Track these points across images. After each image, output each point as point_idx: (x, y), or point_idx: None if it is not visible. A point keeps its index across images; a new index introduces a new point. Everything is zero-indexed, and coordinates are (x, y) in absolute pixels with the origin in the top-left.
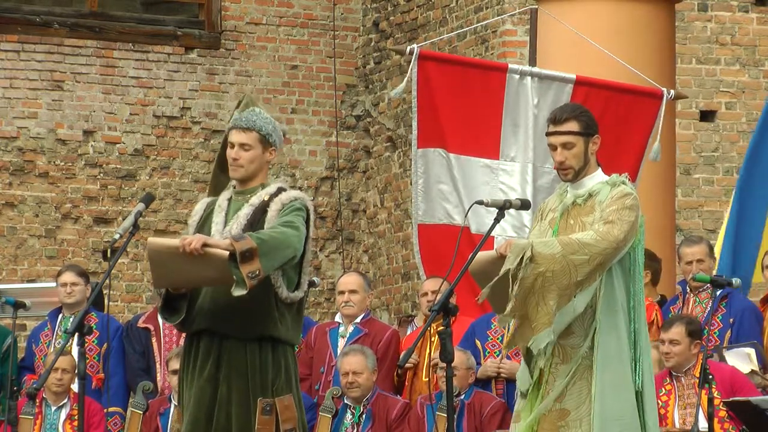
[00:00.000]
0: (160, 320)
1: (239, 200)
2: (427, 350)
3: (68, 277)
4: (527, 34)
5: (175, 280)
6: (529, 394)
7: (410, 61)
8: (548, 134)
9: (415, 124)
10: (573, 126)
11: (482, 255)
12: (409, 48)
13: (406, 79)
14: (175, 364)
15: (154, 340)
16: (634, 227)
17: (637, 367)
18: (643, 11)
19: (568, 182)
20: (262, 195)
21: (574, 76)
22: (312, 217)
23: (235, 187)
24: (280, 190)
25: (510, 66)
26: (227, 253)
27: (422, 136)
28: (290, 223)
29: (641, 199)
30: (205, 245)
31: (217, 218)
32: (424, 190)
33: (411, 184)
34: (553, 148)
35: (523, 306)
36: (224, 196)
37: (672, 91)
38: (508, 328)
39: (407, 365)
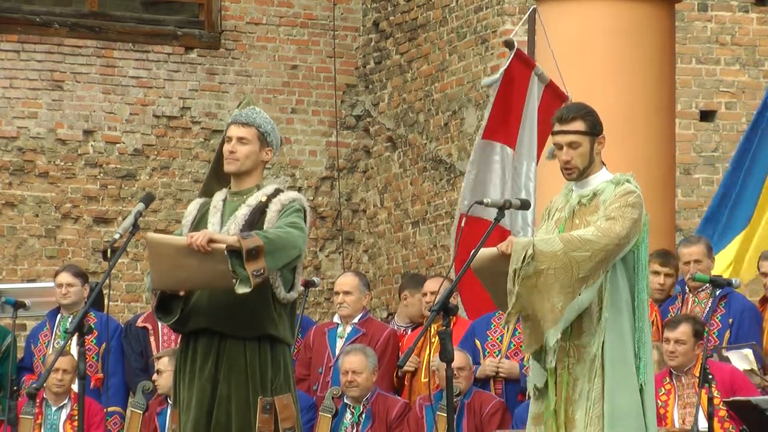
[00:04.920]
0: None
1: (235, 201)
2: (427, 351)
3: (64, 277)
4: (527, 34)
5: (176, 279)
6: (547, 398)
7: (509, 54)
8: (554, 133)
9: (487, 113)
10: (579, 125)
11: (484, 252)
12: (516, 41)
13: (501, 70)
14: (161, 365)
15: (152, 339)
16: (636, 224)
17: (641, 364)
18: (643, 11)
19: (572, 181)
20: (259, 196)
21: (549, 80)
22: (309, 219)
23: (230, 188)
24: (277, 191)
25: (536, 65)
26: (224, 246)
27: (489, 128)
28: (295, 224)
29: None
30: (211, 241)
31: (213, 219)
32: (475, 182)
33: (411, 184)
34: (559, 147)
35: (528, 305)
36: (218, 196)
37: (570, 97)
38: (508, 328)
39: (409, 368)
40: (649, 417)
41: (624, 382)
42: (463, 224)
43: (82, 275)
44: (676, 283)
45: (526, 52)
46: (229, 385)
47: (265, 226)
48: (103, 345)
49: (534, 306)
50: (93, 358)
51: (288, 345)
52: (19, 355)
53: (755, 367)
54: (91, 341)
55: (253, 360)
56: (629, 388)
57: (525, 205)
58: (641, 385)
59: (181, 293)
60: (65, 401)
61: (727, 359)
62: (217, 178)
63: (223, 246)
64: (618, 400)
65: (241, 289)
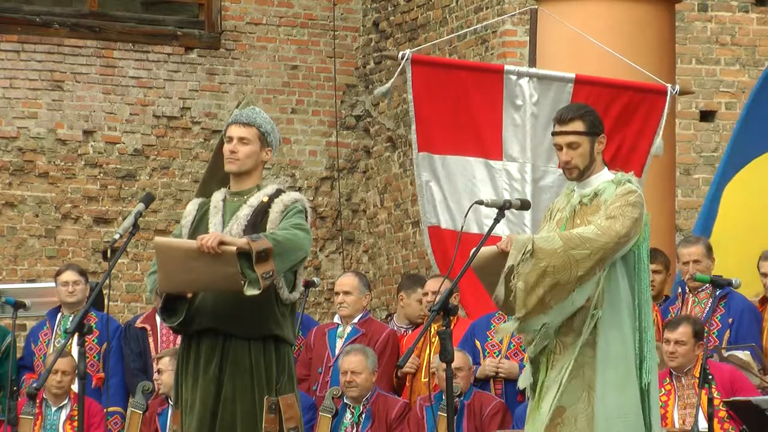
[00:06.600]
0: (158, 320)
1: (235, 201)
2: (427, 351)
3: (69, 275)
4: (527, 34)
5: (184, 281)
6: (537, 394)
7: (405, 66)
8: (554, 134)
9: (413, 129)
10: (578, 126)
11: (484, 251)
12: (401, 53)
13: (392, 80)
14: (162, 365)
15: (151, 340)
16: (637, 224)
17: (644, 365)
18: (643, 11)
19: (573, 181)
20: (260, 196)
21: (573, 76)
22: (309, 219)
23: (229, 188)
24: (278, 192)
25: (506, 67)
26: (235, 248)
27: (421, 141)
28: (300, 226)
29: None
30: (221, 243)
31: (214, 219)
32: (428, 194)
33: (411, 184)
34: (558, 147)
35: (526, 301)
36: (217, 196)
37: (677, 87)
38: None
39: (409, 370)
40: (654, 416)
41: (621, 382)
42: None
43: (84, 274)
44: (677, 284)
45: (526, 53)
46: (234, 386)
47: (267, 227)
48: (104, 344)
49: (530, 302)
50: (95, 357)
51: (291, 345)
52: (19, 354)
53: (754, 368)
54: (93, 340)
55: (258, 360)
56: (627, 387)
57: (525, 205)
58: (645, 384)
59: (188, 295)
60: (65, 401)
61: (727, 360)
62: (215, 178)
63: (234, 248)
64: (612, 400)
65: (250, 291)
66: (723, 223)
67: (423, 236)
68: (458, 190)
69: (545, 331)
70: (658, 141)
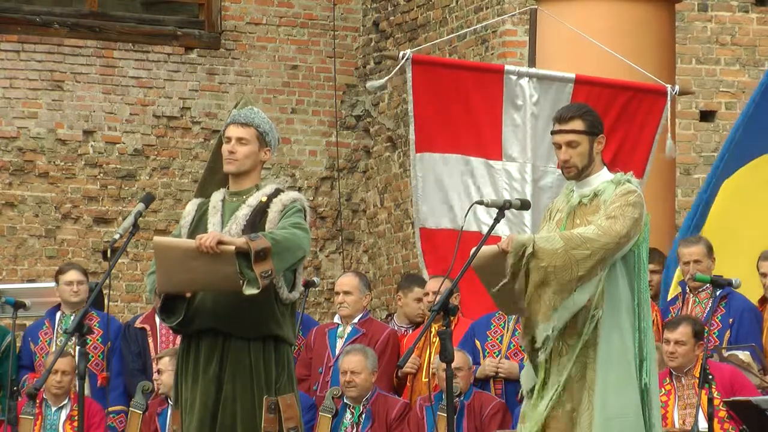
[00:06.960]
0: (157, 320)
1: (234, 201)
2: (428, 351)
3: (74, 275)
4: (527, 34)
5: (183, 281)
6: (535, 393)
7: (405, 65)
8: (553, 133)
9: (412, 128)
10: (578, 125)
11: (485, 250)
12: (401, 53)
13: (387, 77)
14: (162, 365)
15: (150, 340)
16: (637, 224)
17: (644, 365)
18: (643, 11)
19: (572, 180)
20: (259, 196)
21: (573, 76)
22: (308, 219)
23: (227, 188)
24: (277, 191)
25: (506, 67)
26: (233, 248)
27: (420, 141)
28: (299, 225)
29: None
30: (220, 242)
31: (213, 219)
32: (424, 194)
33: (411, 185)
34: (557, 146)
35: (525, 300)
36: (216, 197)
37: (677, 87)
38: (507, 328)
39: (410, 371)
40: (655, 416)
41: (621, 382)
42: (459, 239)
43: (86, 274)
44: (677, 283)
45: (526, 53)
46: (234, 386)
47: (266, 227)
48: (108, 344)
49: (531, 302)
50: (99, 356)
51: (290, 345)
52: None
53: (754, 368)
54: (97, 339)
55: (258, 360)
56: (627, 387)
57: (525, 205)
58: (645, 384)
59: (187, 295)
60: (65, 401)
61: (727, 360)
62: (214, 178)
63: (233, 248)
64: (611, 400)
65: (249, 291)
66: (717, 220)
67: (415, 237)
68: (458, 189)
69: (554, 336)
70: (669, 143)
